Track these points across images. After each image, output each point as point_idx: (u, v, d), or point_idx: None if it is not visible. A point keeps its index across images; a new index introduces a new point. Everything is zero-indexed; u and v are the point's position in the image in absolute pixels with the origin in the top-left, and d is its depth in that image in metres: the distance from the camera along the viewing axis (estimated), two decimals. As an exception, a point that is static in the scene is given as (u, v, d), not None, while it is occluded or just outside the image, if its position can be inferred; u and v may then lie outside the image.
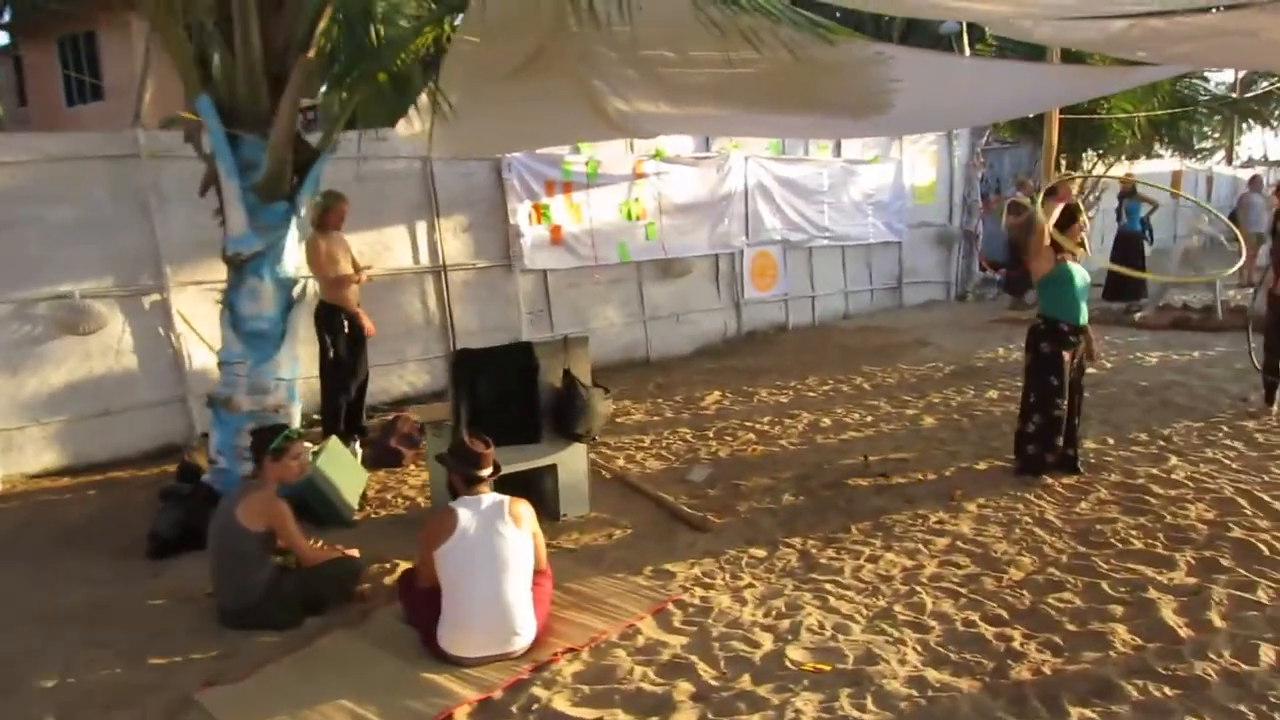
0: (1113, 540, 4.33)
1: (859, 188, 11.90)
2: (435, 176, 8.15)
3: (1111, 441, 6.00)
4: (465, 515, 3.42)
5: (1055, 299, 5.16)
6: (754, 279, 10.75)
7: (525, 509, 3.59)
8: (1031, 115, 11.38)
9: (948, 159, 13.24)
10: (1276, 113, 18.93)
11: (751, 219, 10.60)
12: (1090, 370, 8.18)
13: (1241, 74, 16.16)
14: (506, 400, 4.78)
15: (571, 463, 4.99)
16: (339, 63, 5.83)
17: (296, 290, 5.29)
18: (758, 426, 6.77)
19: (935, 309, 12.64)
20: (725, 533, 4.69)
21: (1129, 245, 12.28)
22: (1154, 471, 5.35)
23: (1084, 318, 5.21)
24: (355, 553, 4.15)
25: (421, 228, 8.21)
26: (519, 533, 3.49)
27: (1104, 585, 3.83)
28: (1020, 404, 5.36)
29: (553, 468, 4.94)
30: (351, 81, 5.73)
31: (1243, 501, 4.79)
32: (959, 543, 4.39)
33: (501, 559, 3.38)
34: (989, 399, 7.26)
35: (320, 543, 4.26)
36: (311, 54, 5.10)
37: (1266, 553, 4.12)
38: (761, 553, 4.39)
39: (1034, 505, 4.84)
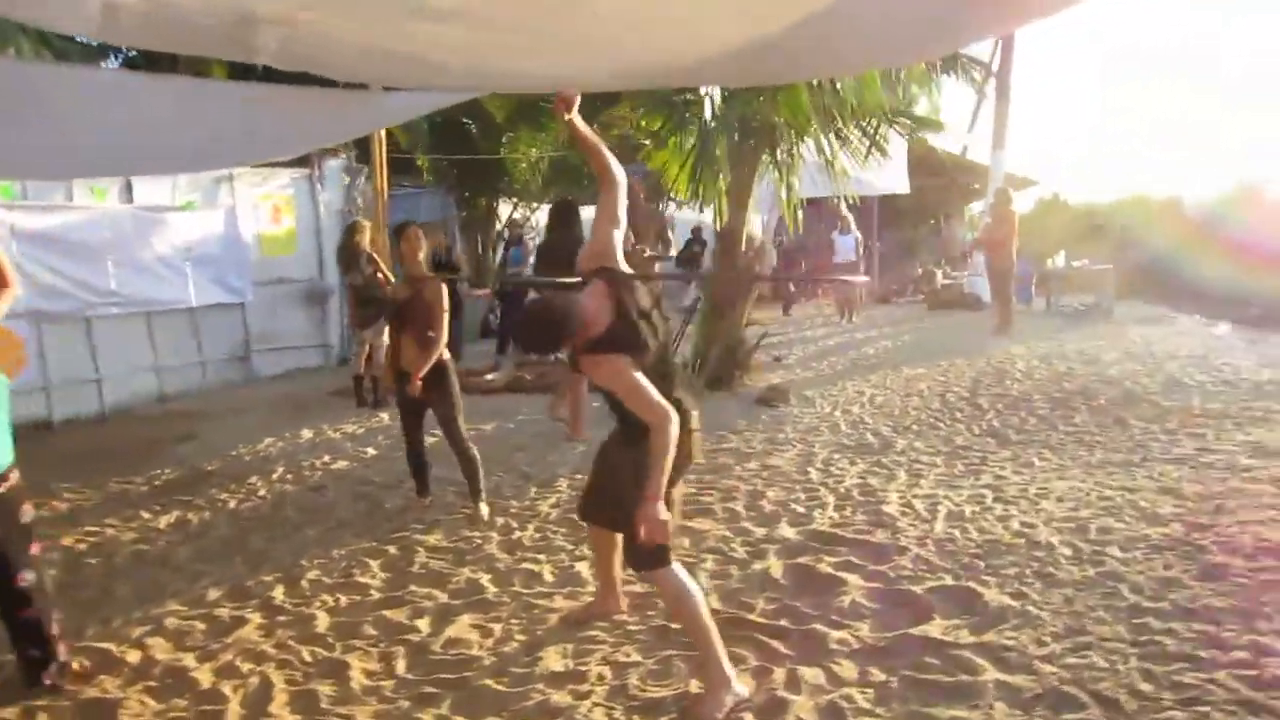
0: None
1: (169, 241, 9.65)
2: None
3: (280, 580, 4.38)
4: None
5: None
6: (-20, 366, 8.00)
7: None
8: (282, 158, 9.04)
9: (311, 204, 11.54)
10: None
11: (-29, 286, 7.86)
12: (340, 466, 6.71)
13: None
14: None
15: None
16: None
17: None
18: None
19: (295, 379, 10.79)
20: None
21: (519, 293, 11.55)
22: (148, 684, 3.73)
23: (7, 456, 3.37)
24: None
25: None
26: None
27: None
28: None
29: None
30: None
31: None
32: None
33: None
34: (161, 527, 5.40)
35: None
36: None
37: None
38: None
39: None
